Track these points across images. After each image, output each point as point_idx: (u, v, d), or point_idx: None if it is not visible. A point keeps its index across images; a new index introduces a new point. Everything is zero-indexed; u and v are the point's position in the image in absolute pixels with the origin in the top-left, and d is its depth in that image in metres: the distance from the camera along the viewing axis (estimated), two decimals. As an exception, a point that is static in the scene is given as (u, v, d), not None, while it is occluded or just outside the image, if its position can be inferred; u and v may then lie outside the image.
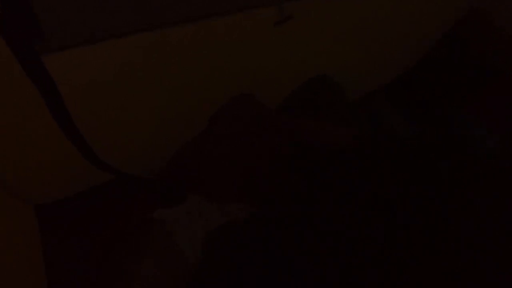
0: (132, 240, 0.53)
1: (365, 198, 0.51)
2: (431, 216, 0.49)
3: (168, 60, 0.73)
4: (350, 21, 1.00)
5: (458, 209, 0.50)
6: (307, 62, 1.05)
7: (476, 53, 1.46)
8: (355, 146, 0.67)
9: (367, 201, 0.50)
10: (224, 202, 0.65)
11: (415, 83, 1.54)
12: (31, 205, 0.96)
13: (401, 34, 1.23)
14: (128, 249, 0.52)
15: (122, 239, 0.55)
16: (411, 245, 0.46)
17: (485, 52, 1.44)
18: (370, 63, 1.30)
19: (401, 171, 0.57)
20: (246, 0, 0.69)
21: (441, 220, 0.49)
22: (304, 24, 0.87)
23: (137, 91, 0.76)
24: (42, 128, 0.71)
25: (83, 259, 0.89)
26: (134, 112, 0.82)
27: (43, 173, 0.86)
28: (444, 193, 0.52)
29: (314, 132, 0.77)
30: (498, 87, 1.45)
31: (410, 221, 0.49)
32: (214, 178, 0.71)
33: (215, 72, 0.85)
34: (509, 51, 1.36)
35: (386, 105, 1.51)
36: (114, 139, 0.85)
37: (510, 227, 0.48)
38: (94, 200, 1.00)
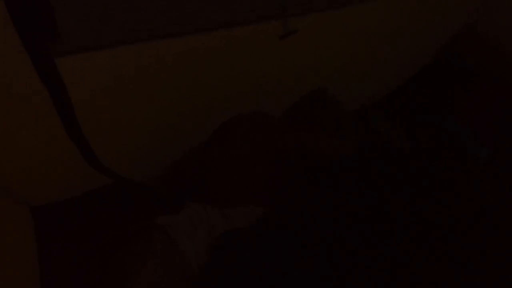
0: (135, 245, 0.53)
1: (365, 204, 0.52)
2: (427, 220, 0.50)
3: (173, 69, 0.73)
4: (351, 36, 1.02)
5: (450, 213, 0.51)
6: (308, 75, 1.06)
7: (472, 67, 1.49)
8: (354, 156, 0.68)
9: (367, 207, 0.51)
10: (231, 206, 0.65)
11: (411, 95, 1.57)
12: (26, 206, 0.95)
13: (399, 49, 1.27)
14: (130, 254, 0.52)
15: (124, 244, 0.55)
16: (410, 249, 0.46)
17: (481, 66, 1.48)
18: (368, 76, 1.33)
19: (398, 179, 0.58)
20: (253, 13, 0.71)
21: (435, 223, 0.50)
22: (307, 39, 0.89)
23: (142, 98, 0.76)
24: (41, 129, 0.71)
25: (80, 264, 0.88)
26: (138, 119, 0.82)
27: (41, 175, 0.85)
28: (438, 199, 0.53)
29: (317, 143, 0.78)
30: (493, 100, 1.48)
31: (408, 226, 0.50)
32: (224, 183, 0.71)
33: (219, 82, 0.85)
34: (504, 65, 1.39)
35: (383, 117, 1.53)
36: (116, 144, 0.85)
37: (502, 230, 0.49)
38: (93, 204, 0.99)
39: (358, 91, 1.38)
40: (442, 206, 0.51)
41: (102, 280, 0.53)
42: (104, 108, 0.73)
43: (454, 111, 1.55)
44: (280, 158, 0.70)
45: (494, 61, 1.42)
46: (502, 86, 1.43)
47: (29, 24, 0.45)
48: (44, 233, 0.92)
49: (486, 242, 0.47)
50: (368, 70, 1.27)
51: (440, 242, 0.47)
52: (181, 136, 0.96)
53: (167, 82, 0.76)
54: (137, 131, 0.88)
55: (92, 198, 0.99)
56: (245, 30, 0.74)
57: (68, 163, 0.82)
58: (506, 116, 1.44)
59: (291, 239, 0.49)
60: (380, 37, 1.11)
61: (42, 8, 0.43)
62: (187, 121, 0.92)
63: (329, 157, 0.74)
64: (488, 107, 1.49)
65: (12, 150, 0.73)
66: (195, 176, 0.82)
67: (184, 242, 0.55)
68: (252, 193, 0.67)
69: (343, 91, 1.17)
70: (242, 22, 0.71)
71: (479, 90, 1.51)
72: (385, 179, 0.55)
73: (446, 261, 0.45)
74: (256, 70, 0.90)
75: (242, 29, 0.73)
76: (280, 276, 0.44)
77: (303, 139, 0.81)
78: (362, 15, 0.94)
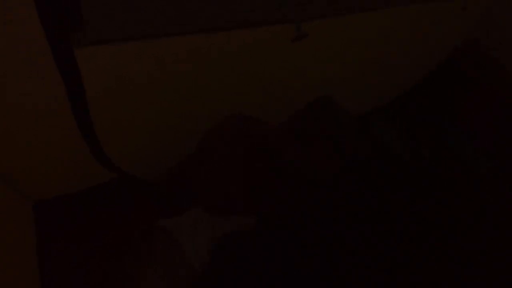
0: (138, 246, 0.54)
1: (365, 204, 0.52)
2: (427, 220, 0.50)
3: (173, 70, 0.74)
4: (358, 44, 1.03)
5: (450, 213, 0.51)
6: (311, 79, 1.07)
7: (472, 75, 1.51)
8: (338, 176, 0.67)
9: (367, 207, 0.51)
10: (228, 213, 0.65)
11: (413, 104, 1.58)
12: (29, 201, 0.95)
13: (404, 58, 1.29)
14: (134, 255, 0.52)
15: (127, 245, 0.55)
16: (410, 249, 0.46)
17: (481, 75, 1.49)
18: (372, 84, 1.34)
19: (398, 179, 0.58)
20: (253, 14, 0.71)
21: (435, 223, 0.50)
22: (318, 43, 0.90)
23: (143, 99, 0.76)
24: (41, 128, 0.71)
25: (80, 264, 0.88)
26: (138, 120, 0.82)
27: (44, 168, 0.86)
28: (438, 199, 0.53)
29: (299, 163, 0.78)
30: (492, 102, 1.49)
31: (408, 226, 0.50)
32: (219, 191, 0.71)
33: (220, 84, 0.86)
34: (503, 77, 1.41)
35: (384, 120, 1.53)
36: (116, 145, 0.85)
37: (502, 230, 0.49)
38: (93, 204, 0.99)
39: (361, 97, 1.39)
40: (442, 206, 0.51)
41: (102, 280, 0.54)
42: (105, 109, 0.73)
43: (454, 112, 1.56)
44: (274, 162, 0.69)
45: (493, 71, 1.44)
46: (500, 89, 1.44)
47: (55, 12, 0.45)
48: (44, 232, 0.93)
49: (486, 242, 0.47)
50: (372, 77, 1.29)
51: (440, 242, 0.47)
52: (181, 138, 0.96)
53: (167, 83, 0.76)
54: (137, 132, 0.88)
55: (92, 197, 0.99)
56: (246, 32, 0.75)
57: (69, 158, 0.83)
58: (505, 118, 1.45)
59: (291, 239, 0.49)
60: (384, 45, 1.12)
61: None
62: (187, 122, 0.93)
63: (322, 171, 0.73)
64: (487, 109, 1.50)
65: (13, 145, 0.73)
66: (194, 178, 0.82)
67: (184, 242, 0.55)
68: (247, 197, 0.67)
69: (346, 96, 1.18)
70: (243, 23, 0.72)
71: (479, 92, 1.52)
72: (385, 179, 0.55)
73: (446, 261, 0.45)
74: (258, 72, 0.91)
75: (244, 30, 0.74)
76: (280, 276, 0.44)
77: (286, 158, 0.79)
78: (367, 23, 0.96)
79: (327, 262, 0.46)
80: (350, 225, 0.50)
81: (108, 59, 0.62)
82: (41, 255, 0.89)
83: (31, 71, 0.57)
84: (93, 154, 0.76)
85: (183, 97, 0.84)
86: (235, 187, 0.68)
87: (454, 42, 1.44)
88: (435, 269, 0.44)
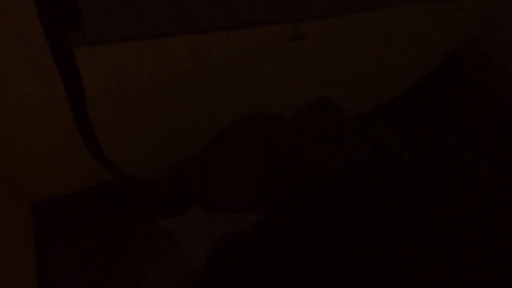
0: (138, 246, 0.54)
1: (365, 204, 0.52)
2: (427, 220, 0.50)
3: (173, 70, 0.74)
4: (358, 44, 1.03)
5: (450, 213, 0.51)
6: (310, 79, 1.07)
7: (472, 79, 1.51)
8: (350, 163, 0.68)
9: (367, 207, 0.51)
10: (228, 213, 0.65)
11: (413, 104, 1.58)
12: (28, 201, 0.95)
13: (404, 58, 1.30)
14: (134, 255, 0.52)
15: (127, 245, 0.55)
16: (410, 249, 0.46)
17: (481, 78, 1.49)
18: (372, 84, 1.34)
19: (398, 179, 0.58)
20: (253, 14, 0.71)
21: (435, 223, 0.50)
22: (318, 43, 0.90)
23: (143, 99, 0.76)
24: (41, 128, 0.71)
25: (80, 264, 0.88)
26: (138, 120, 0.82)
27: (44, 168, 0.86)
28: (438, 199, 0.53)
29: (313, 152, 0.78)
30: (492, 102, 1.50)
31: (408, 226, 0.50)
32: (219, 186, 0.71)
33: (220, 84, 0.86)
34: (503, 77, 1.41)
35: (385, 124, 1.54)
36: (116, 145, 0.85)
37: (502, 230, 0.49)
38: (93, 204, 0.99)
39: (361, 97, 1.39)
40: (442, 206, 0.51)
41: (102, 280, 0.54)
42: (105, 109, 0.73)
43: (454, 112, 1.57)
44: (274, 162, 0.70)
45: (493, 71, 1.44)
46: (500, 89, 1.44)
47: (55, 12, 0.45)
48: (44, 233, 0.93)
49: (486, 242, 0.47)
50: (372, 77, 1.29)
51: (440, 242, 0.47)
52: (181, 138, 0.96)
53: (167, 83, 0.76)
54: (137, 132, 0.88)
55: (92, 197, 0.99)
56: (247, 32, 0.75)
57: (69, 158, 0.83)
58: (505, 118, 1.45)
59: (291, 239, 0.49)
60: (384, 45, 1.13)
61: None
62: (187, 122, 0.93)
63: (322, 168, 0.74)
64: (487, 109, 1.50)
65: (13, 145, 0.73)
66: (194, 178, 0.82)
67: (184, 242, 0.55)
68: (248, 197, 0.67)
69: (346, 96, 1.18)
70: (243, 23, 0.72)
71: (479, 92, 1.52)
72: (385, 179, 0.55)
73: (446, 261, 0.45)
74: (258, 72, 0.91)
75: (244, 30, 0.74)
76: (280, 276, 0.44)
77: (299, 147, 0.80)
78: (367, 23, 0.96)
79: (327, 262, 0.46)
80: (350, 225, 0.50)
81: (108, 59, 0.62)
82: (40, 255, 0.89)
83: (31, 71, 0.57)
84: (92, 154, 0.76)
85: (183, 97, 0.84)
86: (235, 187, 0.68)
87: (454, 42, 1.45)
88: (435, 269, 0.44)
